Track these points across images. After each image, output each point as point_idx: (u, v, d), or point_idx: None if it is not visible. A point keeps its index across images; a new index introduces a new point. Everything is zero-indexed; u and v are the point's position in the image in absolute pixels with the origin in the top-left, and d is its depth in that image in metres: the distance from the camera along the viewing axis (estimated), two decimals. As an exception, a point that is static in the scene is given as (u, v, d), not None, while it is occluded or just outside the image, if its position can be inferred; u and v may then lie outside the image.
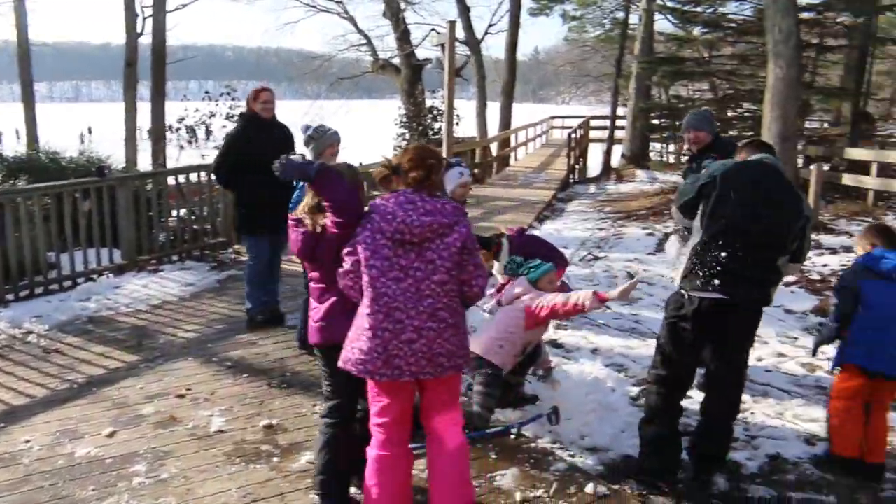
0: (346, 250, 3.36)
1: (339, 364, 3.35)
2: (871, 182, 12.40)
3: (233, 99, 12.37)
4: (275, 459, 4.28)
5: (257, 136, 6.42)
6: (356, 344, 3.27)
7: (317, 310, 3.64)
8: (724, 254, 3.80)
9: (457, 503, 3.43)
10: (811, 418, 5.03)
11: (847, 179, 12.81)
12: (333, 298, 3.56)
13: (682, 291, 3.96)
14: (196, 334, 6.54)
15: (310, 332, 3.71)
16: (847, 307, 4.23)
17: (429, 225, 3.21)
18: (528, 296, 4.79)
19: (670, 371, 4.07)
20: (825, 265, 9.04)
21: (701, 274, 3.86)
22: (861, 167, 13.13)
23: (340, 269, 3.39)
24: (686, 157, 6.29)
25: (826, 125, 21.73)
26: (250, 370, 5.66)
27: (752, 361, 5.84)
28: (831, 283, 8.21)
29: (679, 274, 4.04)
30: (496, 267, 5.65)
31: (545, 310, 4.64)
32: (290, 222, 3.69)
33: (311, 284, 3.70)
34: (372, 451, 3.43)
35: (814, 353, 4.81)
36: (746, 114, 18.78)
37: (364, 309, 3.26)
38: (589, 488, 3.96)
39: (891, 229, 4.49)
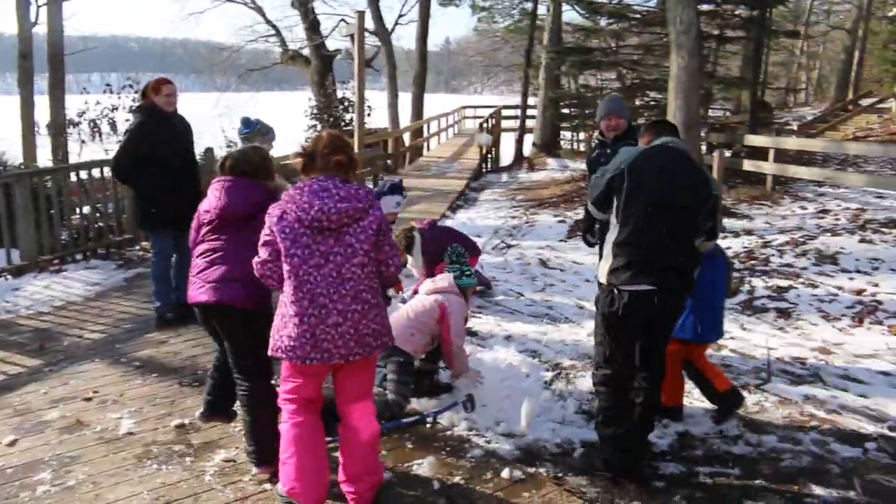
0: (262, 240, 3.38)
1: (270, 353, 3.43)
2: (769, 167, 12.94)
3: (136, 92, 11.96)
4: (188, 460, 4.19)
5: (159, 130, 6.27)
6: (283, 332, 3.34)
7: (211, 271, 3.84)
8: (644, 244, 3.86)
9: (369, 484, 3.56)
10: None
11: (747, 165, 13.32)
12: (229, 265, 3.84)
13: (611, 286, 3.98)
14: (103, 335, 6.34)
15: (198, 292, 3.87)
16: None
17: (345, 211, 3.27)
18: (450, 296, 4.87)
19: (614, 368, 4.10)
20: (728, 248, 9.36)
21: (626, 267, 3.91)
22: (760, 153, 13.66)
23: (257, 259, 3.43)
24: (596, 144, 6.13)
25: (727, 113, 22.51)
26: (160, 369, 5.52)
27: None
28: (734, 265, 8.54)
29: (604, 270, 4.06)
30: (409, 261, 5.67)
31: (448, 330, 4.85)
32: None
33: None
34: (284, 425, 3.52)
35: None
36: (652, 102, 19.25)
37: (288, 297, 3.33)
38: (505, 473, 4.02)
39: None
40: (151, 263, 6.59)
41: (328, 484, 3.60)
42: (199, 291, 3.86)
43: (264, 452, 3.88)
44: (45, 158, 14.59)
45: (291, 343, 3.30)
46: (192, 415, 4.73)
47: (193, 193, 6.10)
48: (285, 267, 3.30)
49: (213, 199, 3.92)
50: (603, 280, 4.05)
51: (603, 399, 4.17)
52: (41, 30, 15.50)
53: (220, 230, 3.89)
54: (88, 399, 5.01)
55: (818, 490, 4.07)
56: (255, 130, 5.58)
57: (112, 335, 6.32)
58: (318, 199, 3.26)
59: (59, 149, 14.42)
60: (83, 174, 9.13)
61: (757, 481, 4.16)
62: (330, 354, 3.30)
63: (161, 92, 6.37)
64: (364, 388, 3.57)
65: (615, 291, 3.95)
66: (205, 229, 3.94)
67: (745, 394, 5.22)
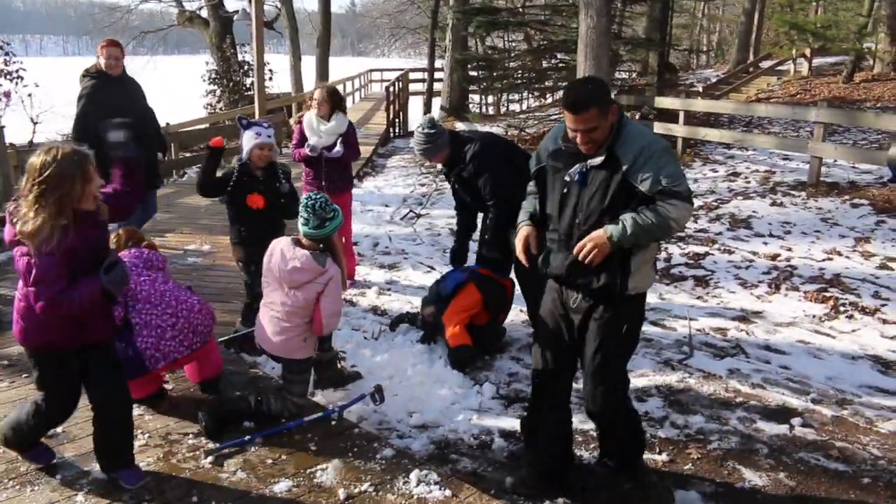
0: None
1: None
2: (679, 130, 12.88)
3: (6, 54, 10.98)
4: (58, 476, 3.66)
5: (109, 93, 6.23)
6: None
7: None
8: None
9: None
10: (639, 373, 5.00)
11: (658, 128, 13.21)
12: None
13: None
14: (-34, 329, 5.65)
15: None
16: None
17: None
18: (318, 278, 4.00)
19: None
20: (642, 213, 9.23)
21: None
22: (669, 115, 13.60)
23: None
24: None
25: (634, 75, 22.57)
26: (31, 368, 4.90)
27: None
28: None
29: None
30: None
31: (321, 315, 4.02)
32: None
33: None
34: None
35: None
36: (560, 64, 19.07)
37: None
38: (418, 477, 3.61)
39: None
40: None
41: None
42: None
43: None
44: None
45: None
46: (67, 421, 4.17)
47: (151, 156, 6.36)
48: None
49: None
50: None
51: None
52: None
53: None
54: (-57, 408, 4.39)
55: (748, 473, 3.88)
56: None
57: (-23, 329, 5.64)
58: None
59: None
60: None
61: (686, 467, 3.94)
62: None
63: (102, 55, 6.41)
64: None
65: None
66: None
67: (668, 370, 5.04)
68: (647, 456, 4.00)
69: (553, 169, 3.36)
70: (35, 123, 12.26)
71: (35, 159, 3.04)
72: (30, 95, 11.41)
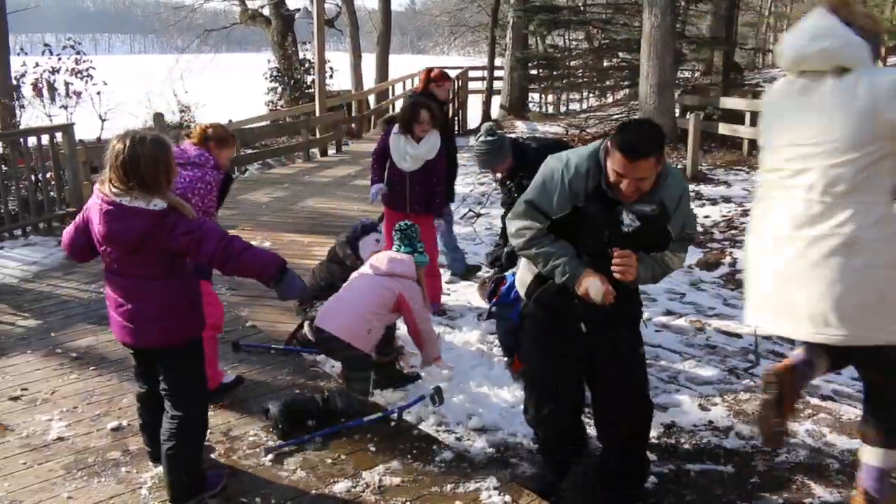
0: None
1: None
2: (745, 131, 12.58)
3: (78, 53, 11.26)
4: (123, 469, 3.72)
5: None
6: None
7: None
8: None
9: None
10: (704, 380, 4.89)
11: (723, 129, 12.96)
12: None
13: None
14: (38, 322, 5.79)
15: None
16: None
17: None
18: (406, 282, 4.41)
19: None
20: (707, 216, 9.04)
21: None
22: (735, 116, 13.30)
23: None
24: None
25: (698, 74, 22.16)
26: (99, 362, 5.01)
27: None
28: (714, 234, 8.21)
29: None
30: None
31: (413, 320, 4.41)
32: None
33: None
34: None
35: None
36: (622, 63, 18.85)
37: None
38: (478, 481, 3.58)
39: None
40: None
41: None
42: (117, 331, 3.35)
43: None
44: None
45: None
46: (130, 415, 4.25)
47: None
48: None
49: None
50: None
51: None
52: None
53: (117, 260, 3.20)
54: (16, 398, 4.50)
55: (817, 488, 3.74)
56: None
57: (48, 322, 5.78)
58: None
59: (7, 114, 13.64)
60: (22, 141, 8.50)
61: (752, 479, 3.83)
62: None
63: None
64: None
65: None
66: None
67: (734, 379, 4.91)
68: (711, 467, 3.91)
69: (592, 213, 3.07)
70: (103, 120, 12.56)
71: (138, 149, 2.99)
72: (98, 93, 11.69)
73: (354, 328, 4.17)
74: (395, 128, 5.80)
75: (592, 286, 3.03)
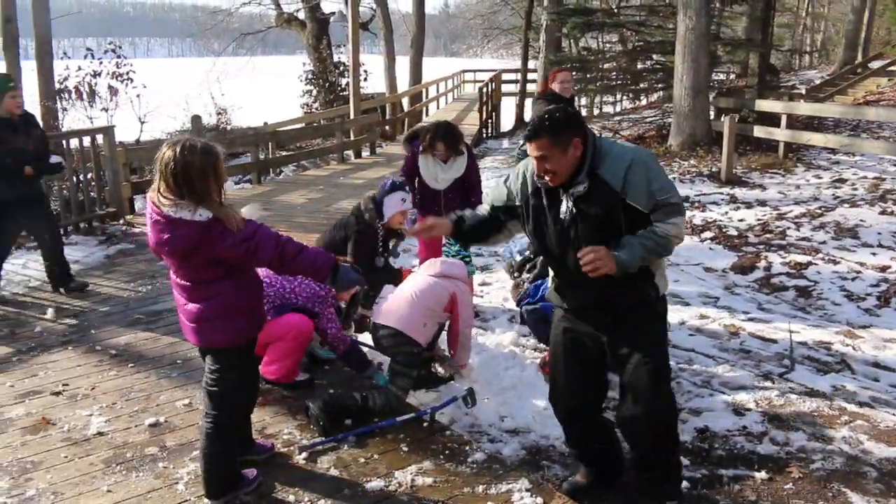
0: None
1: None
2: (780, 134, 12.44)
3: (118, 56, 11.48)
4: (161, 465, 3.79)
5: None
6: None
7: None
8: None
9: None
10: (737, 385, 4.85)
11: (758, 132, 12.82)
12: None
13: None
14: (78, 319, 5.92)
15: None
16: None
17: None
18: (460, 284, 4.62)
19: None
20: (741, 220, 8.96)
21: None
22: (770, 119, 13.16)
23: None
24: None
25: (733, 76, 21.92)
26: (137, 359, 5.11)
27: (674, 325, 5.69)
28: (749, 238, 8.13)
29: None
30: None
31: (458, 320, 4.61)
32: None
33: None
34: None
35: None
36: (657, 65, 18.70)
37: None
38: (510, 483, 3.60)
39: None
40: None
41: None
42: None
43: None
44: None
45: None
46: (168, 411, 4.35)
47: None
48: None
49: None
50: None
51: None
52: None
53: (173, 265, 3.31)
54: (57, 393, 4.61)
55: (854, 497, 3.69)
56: None
57: (88, 320, 5.91)
58: None
59: (50, 116, 13.92)
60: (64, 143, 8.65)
61: (787, 486, 3.79)
62: None
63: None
64: None
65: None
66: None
67: (768, 384, 4.86)
68: (745, 472, 3.88)
69: (536, 208, 3.23)
70: (142, 123, 12.77)
71: (189, 157, 3.02)
72: (138, 96, 11.90)
73: (413, 321, 4.32)
74: (418, 144, 5.86)
75: None
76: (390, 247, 5.52)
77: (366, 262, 5.14)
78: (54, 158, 6.43)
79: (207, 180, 3.03)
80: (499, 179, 3.43)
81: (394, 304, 4.48)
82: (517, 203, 3.30)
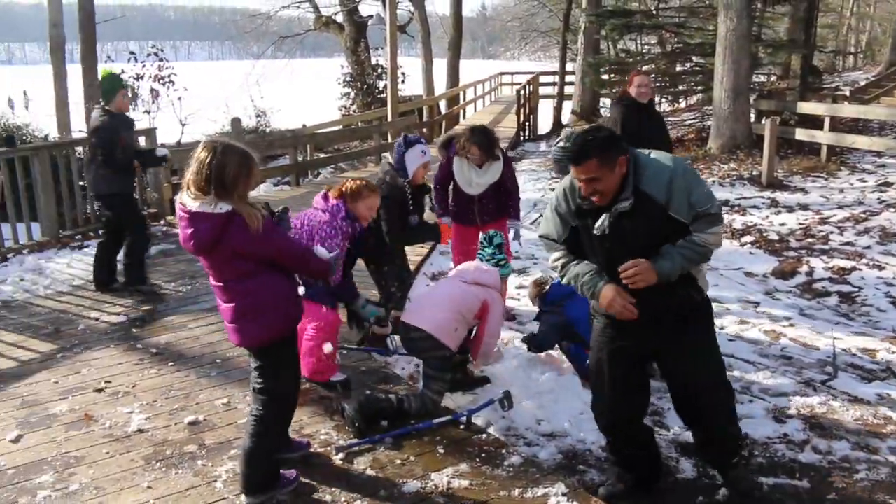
0: None
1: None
2: (823, 137, 12.22)
3: (161, 60, 11.66)
4: (199, 462, 3.84)
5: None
6: None
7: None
8: None
9: None
10: (778, 392, 4.77)
11: (800, 134, 12.61)
12: None
13: None
14: (120, 318, 6.02)
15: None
16: None
17: None
18: (493, 293, 4.56)
19: None
20: (783, 224, 8.82)
21: None
22: (812, 121, 12.93)
23: None
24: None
25: (774, 78, 21.60)
26: (177, 357, 5.18)
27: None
28: (790, 242, 8.01)
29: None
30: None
31: (485, 329, 4.53)
32: None
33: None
34: None
35: None
36: (696, 68, 18.50)
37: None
38: (546, 488, 3.59)
39: None
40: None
41: None
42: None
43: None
44: (77, 130, 14.35)
45: None
46: (206, 409, 4.40)
47: None
48: None
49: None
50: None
51: None
52: (75, -2, 15.17)
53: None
54: (100, 390, 4.69)
55: (900, 508, 3.61)
56: None
57: (130, 318, 6.01)
58: None
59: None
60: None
61: (829, 497, 3.71)
62: None
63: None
64: None
65: None
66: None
67: (810, 391, 4.77)
68: (786, 481, 3.82)
69: (584, 228, 3.26)
70: (183, 125, 12.95)
71: (222, 157, 3.08)
72: (179, 99, 12.07)
73: (444, 325, 4.27)
74: (454, 150, 5.83)
75: (604, 300, 3.21)
76: (425, 201, 5.47)
77: (399, 224, 5.17)
78: (160, 151, 6.72)
79: (238, 182, 3.08)
80: (545, 215, 3.45)
81: (426, 306, 4.48)
82: (574, 224, 3.32)
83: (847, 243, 8.12)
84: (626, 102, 6.22)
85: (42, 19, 15.32)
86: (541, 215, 10.01)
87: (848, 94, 19.43)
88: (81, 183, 8.48)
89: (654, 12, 20.23)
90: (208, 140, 3.20)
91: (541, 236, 3.47)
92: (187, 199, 3.09)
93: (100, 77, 6.41)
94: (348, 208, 4.55)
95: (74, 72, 14.04)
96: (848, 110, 13.45)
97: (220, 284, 3.27)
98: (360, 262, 5.25)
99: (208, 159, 3.05)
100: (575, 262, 3.34)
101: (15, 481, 3.70)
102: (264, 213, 3.22)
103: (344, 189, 4.63)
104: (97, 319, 6.00)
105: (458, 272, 4.72)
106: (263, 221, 3.14)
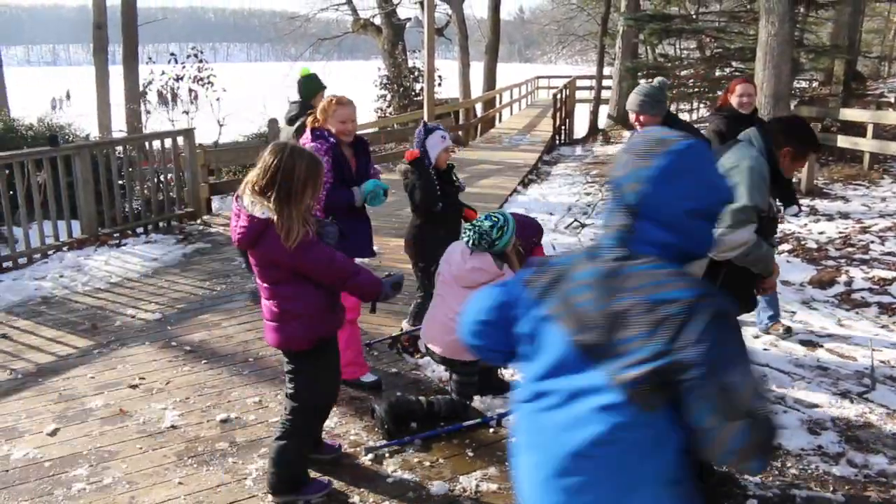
0: None
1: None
2: (866, 144, 11.98)
3: (200, 62, 11.82)
4: (230, 460, 3.89)
5: None
6: None
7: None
8: None
9: None
10: (813, 403, 4.69)
11: (842, 142, 12.39)
12: None
13: None
14: (156, 315, 6.10)
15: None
16: None
17: None
18: (495, 277, 4.24)
19: None
20: (822, 232, 8.66)
21: None
22: (855, 128, 12.70)
23: None
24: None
25: (816, 84, 21.28)
26: (211, 355, 5.25)
27: (748, 340, 5.53)
28: (828, 251, 7.87)
29: None
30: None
31: None
32: None
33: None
34: None
35: None
36: (736, 73, 18.27)
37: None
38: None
39: None
40: None
41: None
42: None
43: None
44: (118, 129, 14.61)
45: None
46: (238, 408, 4.45)
47: None
48: None
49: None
50: None
51: None
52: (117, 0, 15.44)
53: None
54: (134, 386, 4.77)
55: (938, 525, 3.53)
56: None
57: (165, 316, 6.09)
58: None
59: (135, 119, 14.43)
60: (146, 145, 8.97)
61: (864, 511, 3.65)
62: None
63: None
64: None
65: None
66: None
67: (846, 403, 4.68)
68: (819, 494, 3.75)
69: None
70: (221, 126, 13.10)
71: (290, 161, 3.09)
72: (218, 100, 12.22)
73: (455, 346, 4.07)
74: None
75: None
76: (453, 179, 5.44)
77: (429, 208, 5.17)
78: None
79: (307, 186, 3.07)
80: (758, 185, 3.46)
81: (436, 327, 4.26)
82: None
83: (888, 253, 7.95)
84: (726, 114, 5.66)
85: (86, 21, 15.61)
86: (574, 220, 10.00)
87: (893, 100, 19.04)
88: (121, 182, 8.65)
89: (694, 16, 20.04)
90: (277, 143, 3.22)
91: (751, 207, 3.41)
92: (245, 196, 3.11)
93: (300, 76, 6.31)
94: (322, 130, 4.52)
95: (116, 73, 14.31)
96: (893, 117, 13.17)
97: (264, 286, 3.29)
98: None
99: (274, 162, 3.04)
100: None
101: (51, 473, 3.77)
102: (309, 229, 3.12)
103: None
104: (133, 316, 6.09)
105: (454, 277, 4.28)
106: (303, 238, 3.06)
